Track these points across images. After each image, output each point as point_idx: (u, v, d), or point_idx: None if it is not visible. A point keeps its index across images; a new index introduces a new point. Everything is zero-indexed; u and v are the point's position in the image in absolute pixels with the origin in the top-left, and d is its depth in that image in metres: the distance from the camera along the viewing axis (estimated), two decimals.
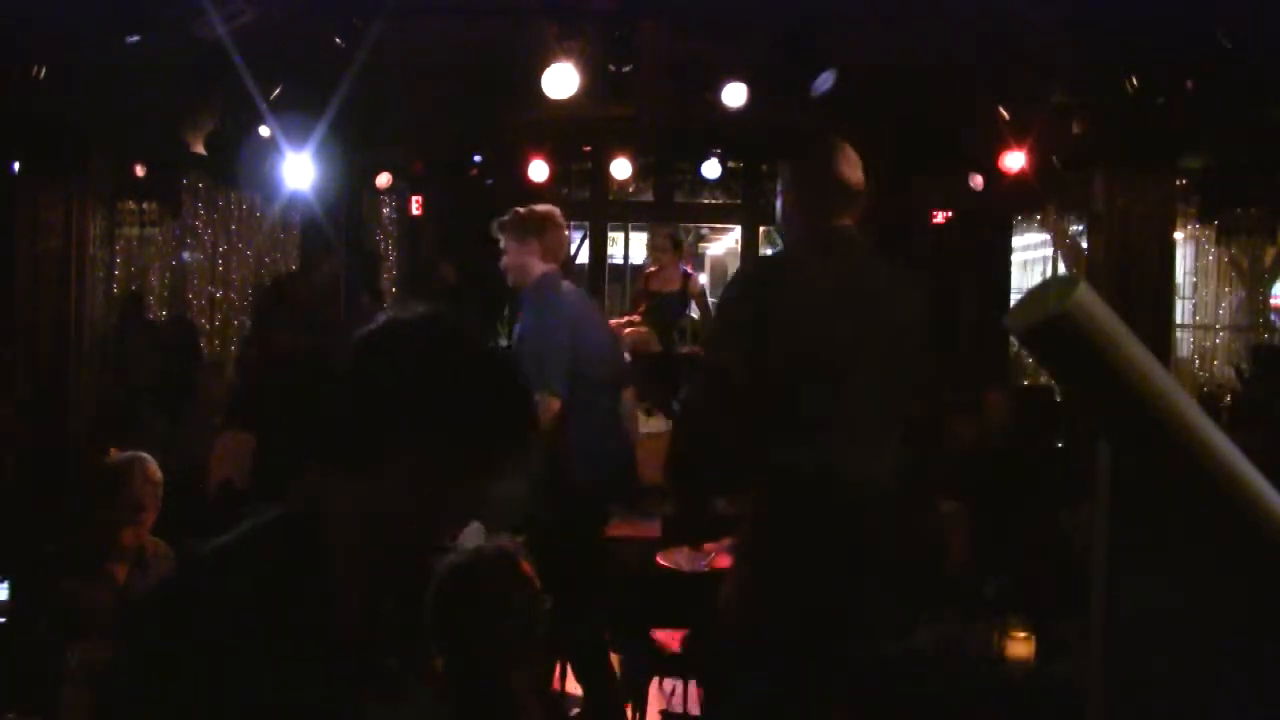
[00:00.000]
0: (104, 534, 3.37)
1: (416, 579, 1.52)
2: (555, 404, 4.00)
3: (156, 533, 3.57)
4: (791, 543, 2.75)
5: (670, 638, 4.55)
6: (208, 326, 10.57)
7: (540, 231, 4.41)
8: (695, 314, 9.70)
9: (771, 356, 2.68)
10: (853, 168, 3.03)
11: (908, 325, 2.90)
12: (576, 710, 4.35)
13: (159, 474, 3.48)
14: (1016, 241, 11.39)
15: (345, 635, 1.32)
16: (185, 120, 6.29)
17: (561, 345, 4.16)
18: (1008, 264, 9.41)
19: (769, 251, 14.34)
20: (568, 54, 5.40)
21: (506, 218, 4.44)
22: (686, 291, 9.26)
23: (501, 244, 4.42)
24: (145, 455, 3.52)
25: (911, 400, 2.96)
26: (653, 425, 8.19)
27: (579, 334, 4.24)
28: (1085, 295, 0.87)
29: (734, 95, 5.95)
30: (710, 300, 13.35)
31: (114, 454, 3.77)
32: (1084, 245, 8.57)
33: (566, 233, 4.62)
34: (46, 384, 5.47)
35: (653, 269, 9.57)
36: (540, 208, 4.50)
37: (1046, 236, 12.43)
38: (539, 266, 4.37)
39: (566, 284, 4.52)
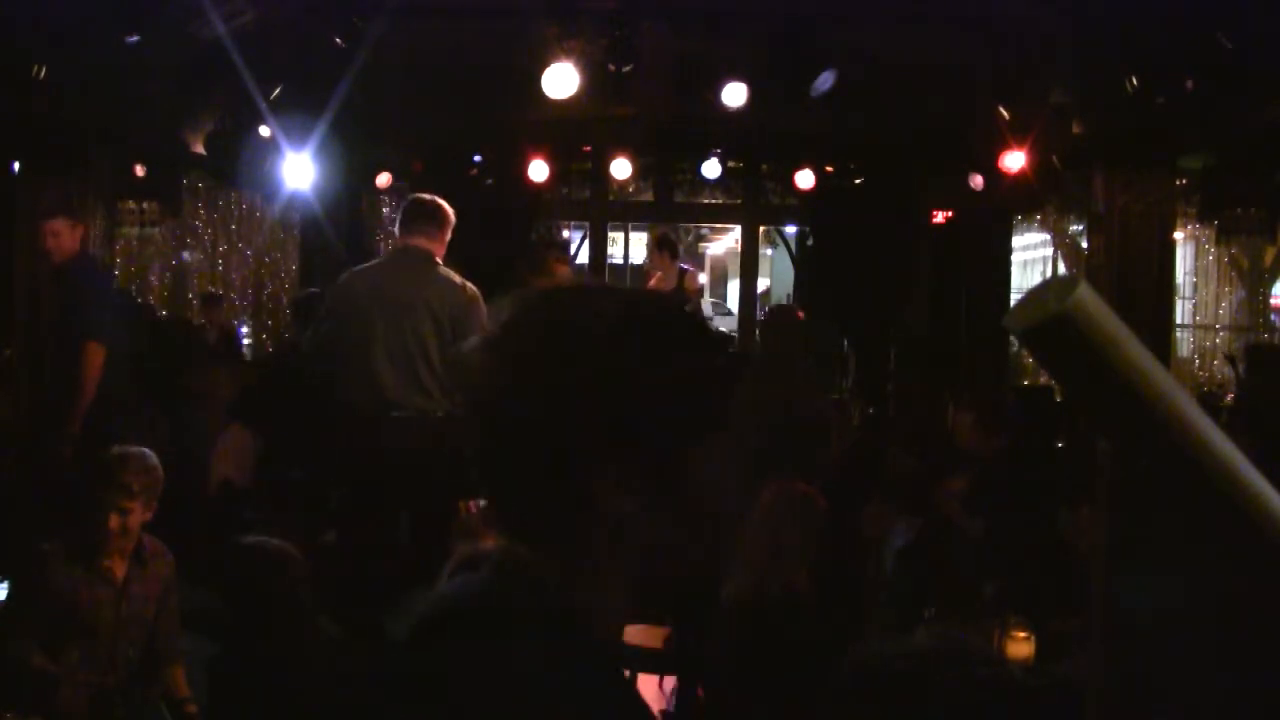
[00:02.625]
0: (93, 521, 3.36)
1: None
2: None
3: (158, 530, 3.57)
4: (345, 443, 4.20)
5: (650, 635, 4.54)
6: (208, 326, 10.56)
7: (83, 216, 5.16)
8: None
9: (343, 326, 4.20)
10: (424, 208, 4.33)
11: (440, 302, 4.19)
12: None
13: (159, 470, 3.45)
14: (1016, 241, 11.39)
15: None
16: (185, 120, 6.29)
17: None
18: (1008, 264, 9.41)
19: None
20: (568, 54, 5.40)
21: (59, 209, 5.08)
22: (683, 289, 9.28)
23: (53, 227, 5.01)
24: (148, 451, 3.50)
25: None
26: None
27: None
28: (1085, 295, 0.87)
29: (734, 95, 5.95)
30: (708, 300, 13.34)
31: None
32: (1084, 245, 8.58)
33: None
34: (46, 384, 5.47)
35: (652, 269, 9.65)
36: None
37: (1046, 236, 12.43)
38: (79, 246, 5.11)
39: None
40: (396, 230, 4.38)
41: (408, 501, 4.21)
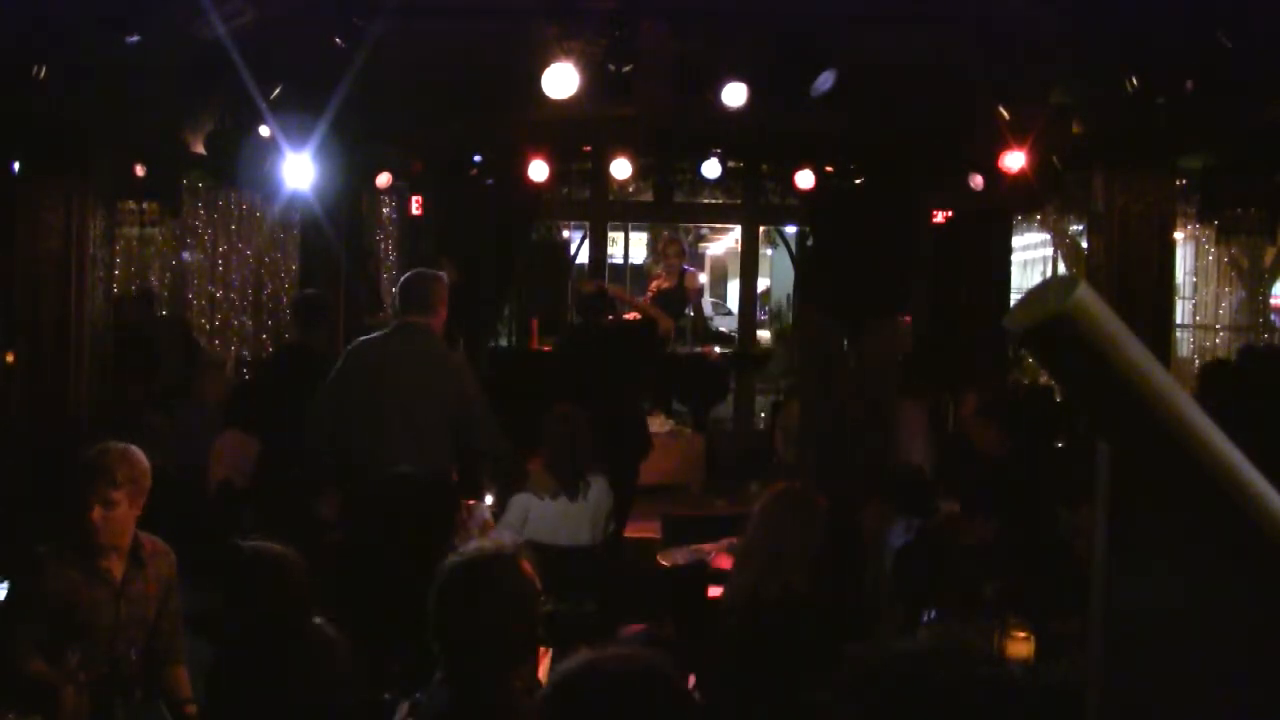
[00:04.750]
0: (78, 515, 3.35)
1: None
2: None
3: (158, 530, 3.56)
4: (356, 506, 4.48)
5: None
6: (208, 326, 10.56)
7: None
8: (691, 313, 9.75)
9: (350, 395, 4.72)
10: (424, 289, 4.84)
11: (440, 376, 4.74)
12: None
13: (144, 463, 3.43)
14: (1016, 241, 11.38)
15: None
16: (185, 120, 6.29)
17: None
18: (1008, 264, 9.40)
19: None
20: (568, 54, 5.40)
21: None
22: (684, 287, 9.33)
23: None
24: (132, 446, 3.48)
25: (447, 420, 4.69)
26: (654, 425, 8.21)
27: None
28: (1085, 295, 0.87)
29: (734, 95, 5.95)
30: (708, 300, 13.28)
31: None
32: (1084, 245, 8.58)
33: None
34: (46, 384, 5.46)
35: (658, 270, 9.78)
36: None
37: (1046, 236, 12.43)
38: None
39: None
40: (397, 302, 4.91)
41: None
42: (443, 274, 5.04)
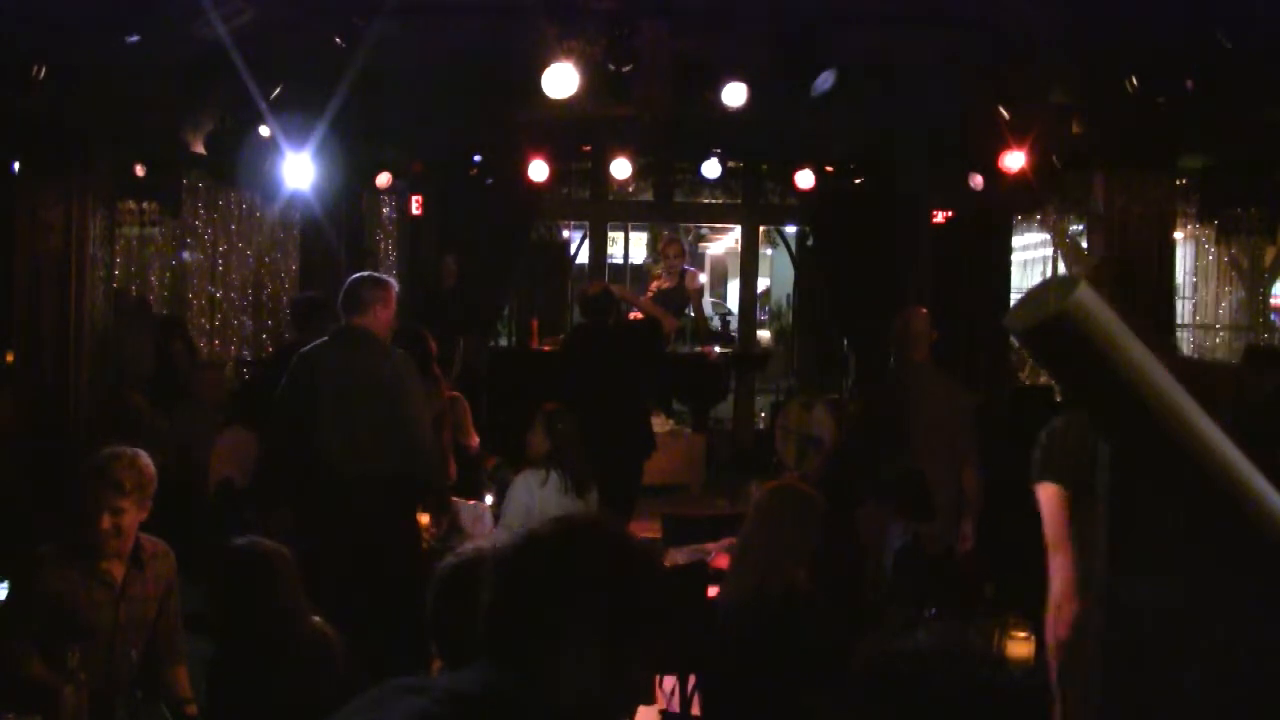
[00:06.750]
0: (84, 520, 3.34)
1: None
2: None
3: (157, 531, 3.56)
4: (312, 500, 4.72)
5: None
6: (208, 326, 10.57)
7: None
8: (691, 313, 9.75)
9: (305, 396, 4.77)
10: (355, 292, 4.89)
11: (391, 376, 4.81)
12: None
13: (150, 469, 3.42)
14: (1016, 241, 11.39)
15: None
16: (185, 120, 6.29)
17: None
18: (1008, 264, 9.40)
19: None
20: (568, 54, 5.40)
21: None
22: (684, 287, 9.34)
23: None
24: (139, 450, 3.48)
25: (407, 418, 4.80)
26: (654, 425, 8.22)
27: None
28: (1085, 295, 0.87)
29: (734, 95, 5.95)
30: (708, 299, 13.26)
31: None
32: (1084, 245, 8.58)
33: None
34: (46, 384, 5.46)
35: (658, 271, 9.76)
36: None
37: (1046, 236, 12.44)
38: None
39: None
40: (340, 310, 4.96)
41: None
42: (386, 279, 5.06)
